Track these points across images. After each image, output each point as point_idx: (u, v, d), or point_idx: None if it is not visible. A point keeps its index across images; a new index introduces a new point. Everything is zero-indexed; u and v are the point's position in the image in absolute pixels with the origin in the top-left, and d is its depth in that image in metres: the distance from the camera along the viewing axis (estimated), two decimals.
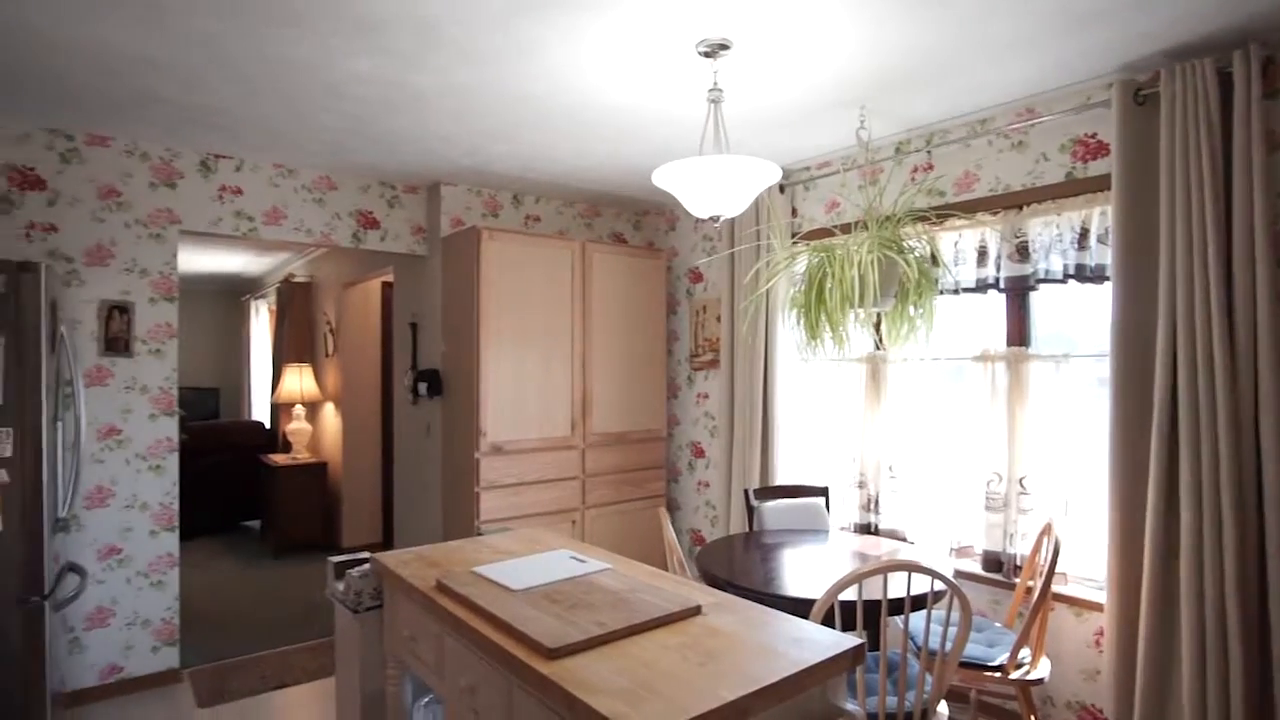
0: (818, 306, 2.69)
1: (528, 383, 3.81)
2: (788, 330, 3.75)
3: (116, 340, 3.29)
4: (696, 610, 1.61)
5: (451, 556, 2.09)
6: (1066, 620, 2.78)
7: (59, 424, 2.68)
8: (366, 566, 2.16)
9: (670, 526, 2.76)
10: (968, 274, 3.08)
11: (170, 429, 3.44)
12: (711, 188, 2.30)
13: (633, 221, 4.88)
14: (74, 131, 3.22)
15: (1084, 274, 2.72)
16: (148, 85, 2.70)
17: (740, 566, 2.57)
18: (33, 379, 2.39)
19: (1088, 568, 2.80)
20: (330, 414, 6.09)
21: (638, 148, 3.44)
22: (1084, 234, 2.73)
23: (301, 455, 5.91)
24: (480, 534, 2.68)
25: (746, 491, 3.32)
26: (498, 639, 1.47)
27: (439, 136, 3.29)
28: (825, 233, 3.53)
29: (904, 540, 3.30)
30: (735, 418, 3.92)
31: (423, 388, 4.02)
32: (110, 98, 2.82)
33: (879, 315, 2.99)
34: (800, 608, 2.11)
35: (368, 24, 2.21)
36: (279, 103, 2.87)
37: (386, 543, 5.75)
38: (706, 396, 4.37)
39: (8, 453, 2.34)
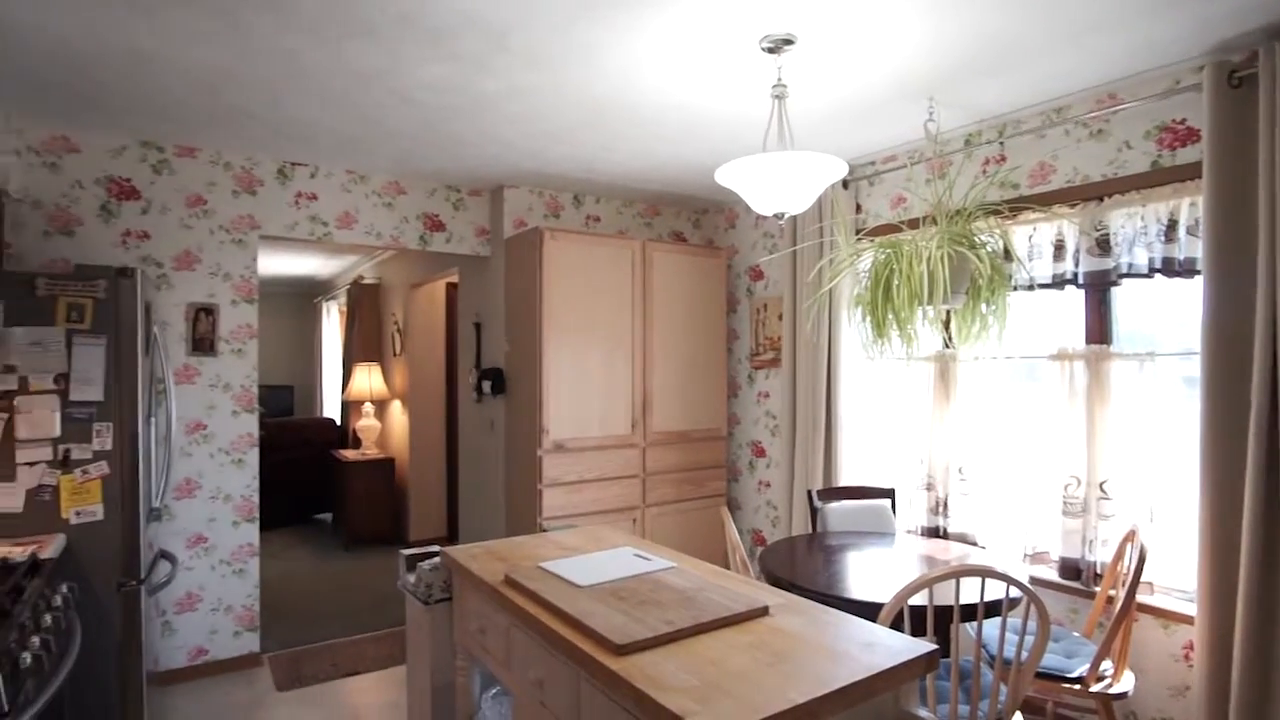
0: (884, 304, 2.62)
1: (589, 381, 3.85)
2: (852, 328, 3.68)
3: (202, 341, 3.47)
4: (764, 611, 1.60)
5: (518, 552, 2.13)
6: (1152, 632, 2.64)
7: (152, 420, 2.84)
8: (437, 560, 2.23)
9: (733, 525, 2.75)
10: (1043, 269, 2.97)
11: (251, 425, 3.60)
12: (776, 185, 2.27)
13: (692, 220, 4.87)
14: (164, 144, 3.41)
15: (1172, 268, 2.58)
16: (235, 100, 2.84)
17: (804, 568, 2.53)
18: (130, 377, 2.55)
19: (1176, 577, 2.66)
20: (398, 411, 6.28)
21: (698, 146, 3.43)
22: (1172, 225, 2.59)
23: (370, 451, 6.12)
24: (545, 530, 2.73)
25: (810, 492, 3.27)
26: (566, 634, 1.49)
27: (502, 140, 3.35)
28: (891, 228, 3.45)
29: (974, 545, 3.19)
30: (798, 417, 3.87)
31: (486, 386, 4.11)
32: (200, 112, 2.98)
33: (948, 313, 2.91)
34: (866, 611, 2.07)
35: (438, 32, 2.27)
36: (353, 112, 2.97)
37: (451, 537, 5.90)
38: (767, 395, 4.33)
39: (108, 446, 2.49)
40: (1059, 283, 2.92)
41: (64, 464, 2.42)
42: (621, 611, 1.55)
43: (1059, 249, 2.92)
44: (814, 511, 3.24)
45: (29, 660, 1.52)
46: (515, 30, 2.26)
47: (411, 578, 2.29)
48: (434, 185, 4.12)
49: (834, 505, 3.23)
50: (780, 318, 4.18)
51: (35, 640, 1.61)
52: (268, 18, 2.18)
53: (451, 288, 5.88)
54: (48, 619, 1.77)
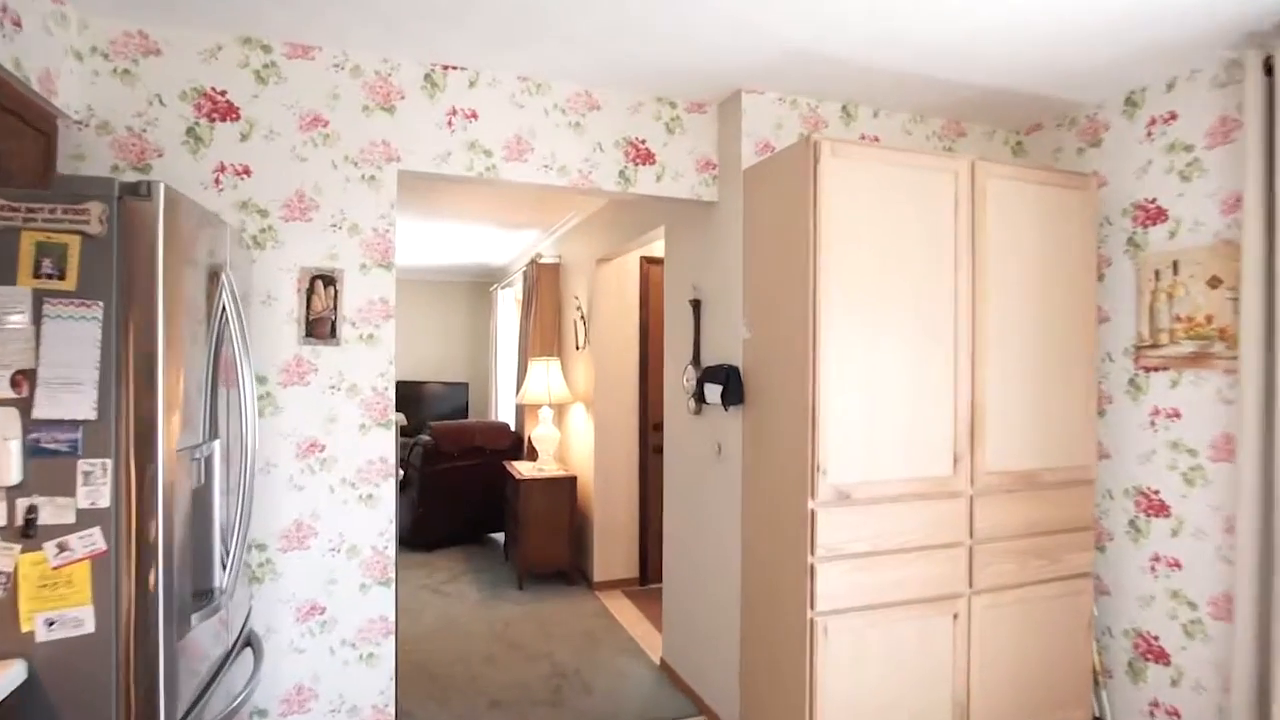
0: None
1: (885, 389, 2.36)
2: None
3: (319, 322, 2.41)
4: None
5: None
6: None
7: (216, 444, 1.76)
8: None
9: None
10: None
11: (385, 445, 2.50)
12: None
13: (1011, 143, 3.20)
14: (272, 41, 2.38)
15: None
16: None
17: None
18: (145, 376, 1.44)
19: None
20: (580, 418, 5.13)
21: None
22: None
23: (548, 467, 5.00)
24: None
25: None
26: None
27: (752, 4, 1.96)
28: None
29: None
30: (1277, 458, 2.12)
31: (713, 393, 2.74)
32: None
33: None
34: None
35: None
36: None
37: (643, 580, 4.66)
38: (1176, 415, 2.59)
39: (103, 501, 1.39)
40: None
41: (25, 533, 1.35)
42: None
43: None
44: None
45: None
46: None
47: None
48: (639, 97, 2.82)
49: None
50: (1214, 284, 2.44)
51: None
52: None
53: (647, 263, 4.63)
54: None
